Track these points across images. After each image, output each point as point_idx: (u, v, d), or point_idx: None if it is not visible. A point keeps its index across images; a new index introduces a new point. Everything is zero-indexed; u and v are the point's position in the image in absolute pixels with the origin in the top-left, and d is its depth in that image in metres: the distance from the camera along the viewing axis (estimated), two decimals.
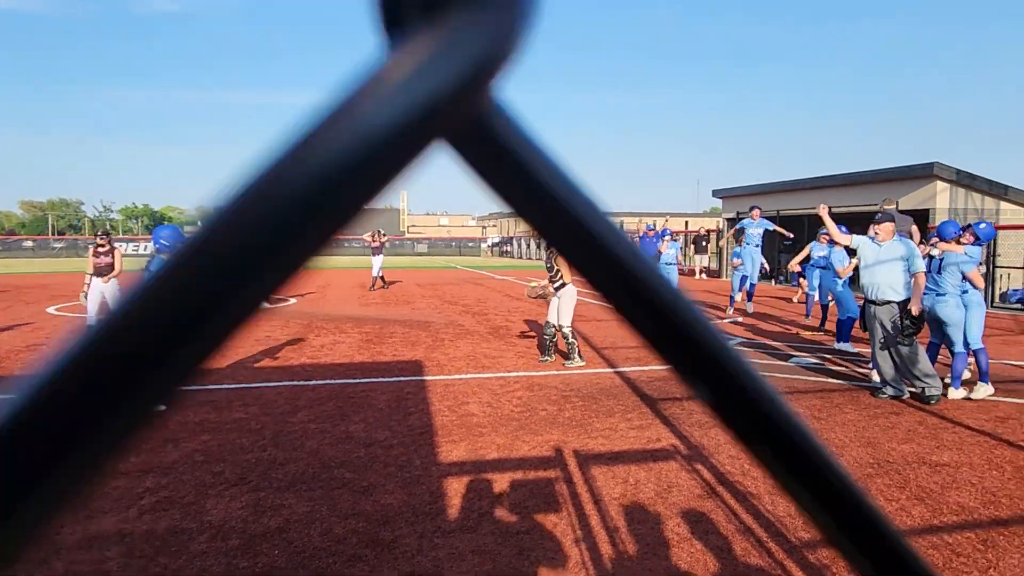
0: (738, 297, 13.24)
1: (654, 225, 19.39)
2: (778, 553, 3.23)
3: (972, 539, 3.38)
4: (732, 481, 4.17)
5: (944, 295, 6.26)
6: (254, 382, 6.92)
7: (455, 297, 17.10)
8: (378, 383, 6.93)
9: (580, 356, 7.72)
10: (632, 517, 3.63)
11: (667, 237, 13.86)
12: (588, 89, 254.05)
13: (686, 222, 60.30)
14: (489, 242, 66.05)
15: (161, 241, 5.77)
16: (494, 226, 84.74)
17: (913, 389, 6.16)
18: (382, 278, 18.32)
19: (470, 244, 65.42)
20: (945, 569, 3.07)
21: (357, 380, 7.05)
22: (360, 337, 10.05)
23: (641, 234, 17.99)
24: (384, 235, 18.04)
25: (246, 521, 3.59)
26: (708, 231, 26.42)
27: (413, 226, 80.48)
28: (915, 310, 6.00)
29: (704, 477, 4.25)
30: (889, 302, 6.11)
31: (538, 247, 52.15)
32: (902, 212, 17.49)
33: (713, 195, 26.13)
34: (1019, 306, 13.67)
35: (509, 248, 58.81)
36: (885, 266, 6.13)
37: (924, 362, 6.05)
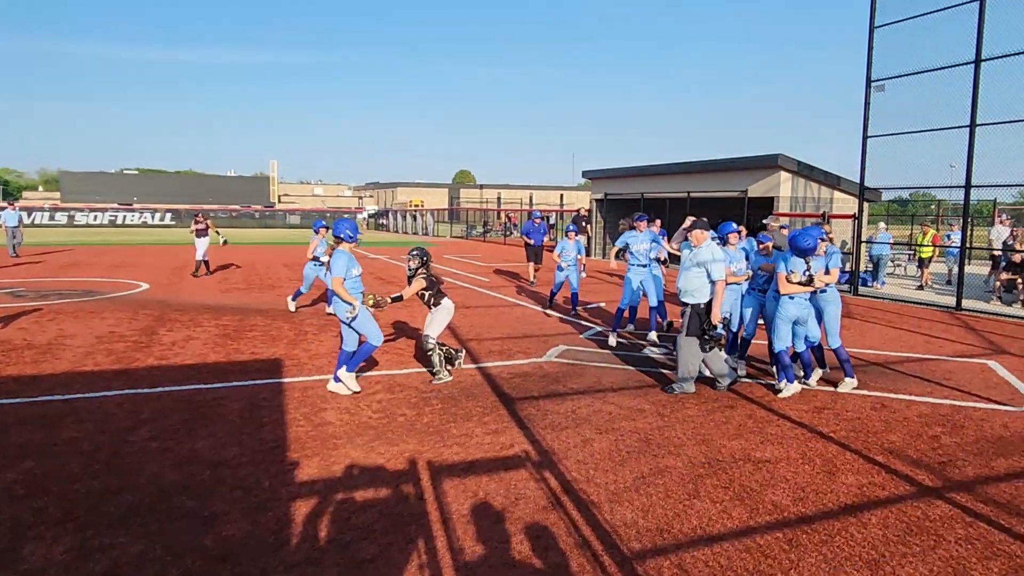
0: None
1: (540, 212, 19.19)
2: (611, 567, 3.43)
3: (780, 539, 3.75)
4: (576, 489, 4.37)
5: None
6: (91, 391, 6.44)
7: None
8: (232, 388, 6.64)
9: (447, 372, 7.06)
10: (478, 536, 3.73)
11: (571, 232, 11.98)
12: (464, 58, 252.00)
13: (561, 195, 61.58)
14: (366, 213, 64.51)
15: (347, 232, 6.49)
16: (371, 196, 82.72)
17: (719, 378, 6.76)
18: (206, 263, 17.26)
19: (346, 215, 63.62)
20: (754, 573, 3.39)
21: (209, 385, 6.72)
22: (217, 331, 9.57)
23: (526, 221, 17.73)
24: (207, 218, 17.16)
25: (68, 568, 3.36)
26: (588, 211, 26.75)
27: (285, 195, 77.09)
28: (714, 318, 6.47)
29: (551, 485, 4.43)
30: (686, 304, 6.59)
31: (413, 220, 51.52)
32: (752, 199, 18.78)
33: (583, 176, 26.83)
34: (847, 287, 15.10)
35: (385, 221, 57.78)
36: (689, 271, 6.59)
37: (692, 364, 6.58)
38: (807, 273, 6.37)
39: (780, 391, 6.58)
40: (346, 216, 8.21)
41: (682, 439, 5.35)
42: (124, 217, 53.68)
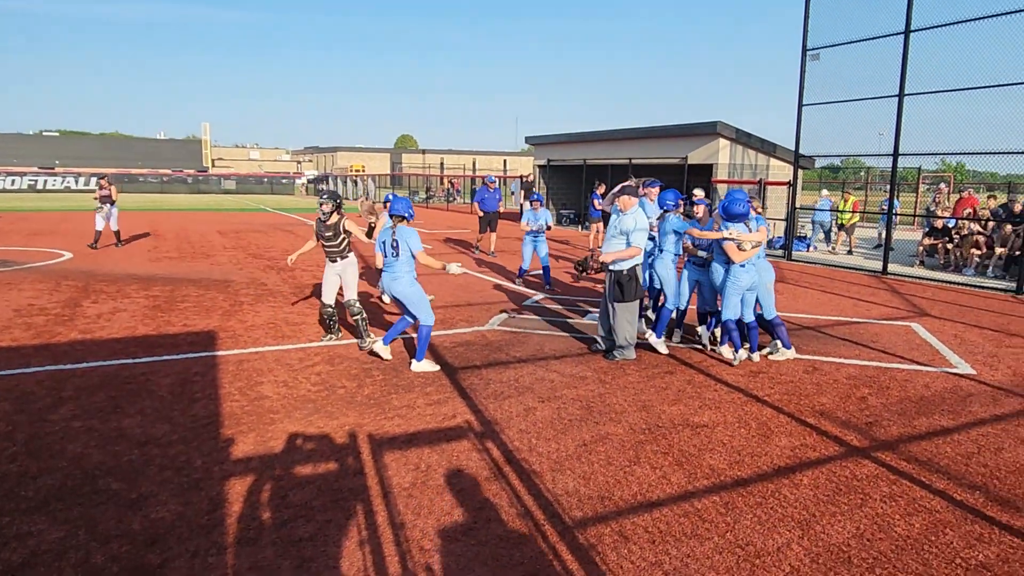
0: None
1: (495, 177, 18.15)
2: (552, 536, 3.45)
3: (717, 503, 3.84)
4: (519, 459, 4.37)
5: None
6: (8, 368, 6.09)
7: (261, 248, 16.14)
8: (162, 362, 6.38)
9: (369, 333, 6.98)
10: (419, 510, 3.69)
11: (536, 202, 11.19)
12: (406, 20, 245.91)
13: (504, 161, 61.21)
14: (305, 179, 62.76)
15: (409, 212, 6.32)
16: (310, 161, 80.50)
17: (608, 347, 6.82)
18: (116, 232, 15.43)
19: (283, 181, 61.80)
20: (691, 537, 3.46)
21: (137, 360, 6.44)
22: (146, 303, 9.17)
23: (479, 187, 16.58)
24: (111, 183, 15.24)
25: None
26: (531, 178, 26.44)
27: (219, 160, 74.24)
28: (605, 259, 6.54)
29: (493, 456, 4.41)
30: (610, 270, 6.62)
31: (354, 185, 50.39)
32: (692, 165, 19.02)
33: (526, 142, 26.68)
34: (781, 252, 15.52)
35: (325, 187, 56.39)
36: (614, 239, 6.61)
37: (630, 331, 6.63)
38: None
39: (730, 360, 6.63)
40: (399, 196, 8.00)
41: (623, 406, 5.41)
42: (45, 182, 50.84)
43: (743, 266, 6.45)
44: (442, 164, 46.86)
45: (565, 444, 4.62)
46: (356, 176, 51.37)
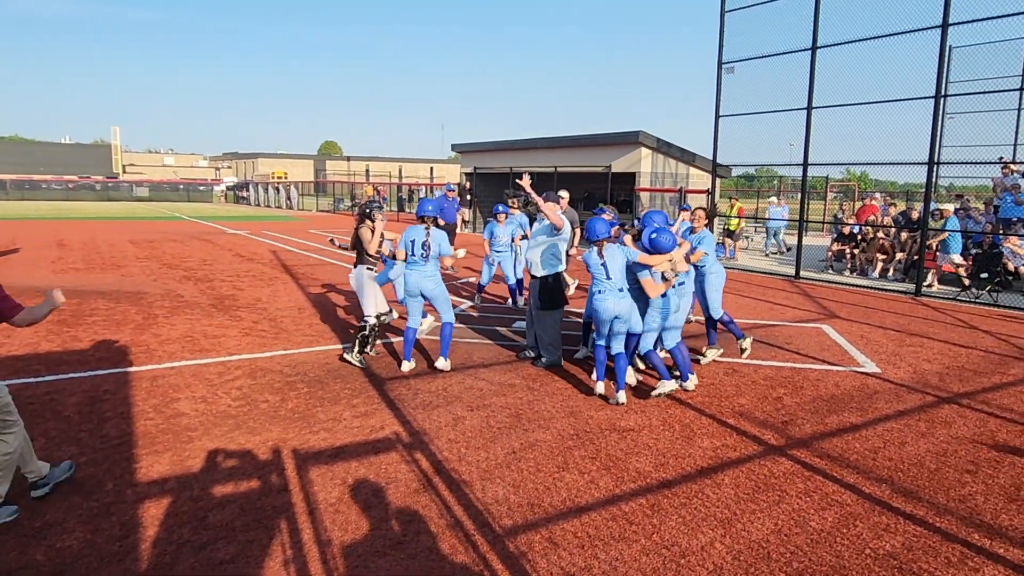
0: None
1: (453, 185, 16.76)
2: (483, 546, 3.44)
3: (643, 505, 3.92)
4: (448, 469, 4.34)
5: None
6: None
7: (177, 258, 15.48)
8: (69, 380, 6.02)
9: (366, 351, 6.81)
10: (347, 526, 3.61)
11: (502, 215, 10.17)
12: (325, 20, 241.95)
13: (431, 168, 60.86)
14: (224, 185, 60.72)
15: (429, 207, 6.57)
16: (229, 167, 77.86)
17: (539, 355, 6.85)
18: None
19: (201, 188, 59.62)
20: (619, 540, 3.52)
21: (40, 379, 6.06)
22: (50, 317, 8.63)
23: (438, 195, 15.57)
24: None
25: None
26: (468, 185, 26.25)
27: (131, 165, 70.88)
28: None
29: (422, 467, 4.37)
30: (535, 277, 6.74)
31: (276, 193, 49.03)
32: (616, 174, 19.43)
33: (452, 149, 26.65)
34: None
35: (246, 194, 54.65)
36: (538, 245, 6.74)
37: (554, 337, 6.71)
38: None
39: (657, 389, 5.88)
40: (425, 197, 7.71)
41: (552, 412, 5.46)
42: None
43: (664, 295, 5.83)
44: (367, 171, 46.25)
45: (495, 452, 4.62)
46: (278, 183, 50.00)
